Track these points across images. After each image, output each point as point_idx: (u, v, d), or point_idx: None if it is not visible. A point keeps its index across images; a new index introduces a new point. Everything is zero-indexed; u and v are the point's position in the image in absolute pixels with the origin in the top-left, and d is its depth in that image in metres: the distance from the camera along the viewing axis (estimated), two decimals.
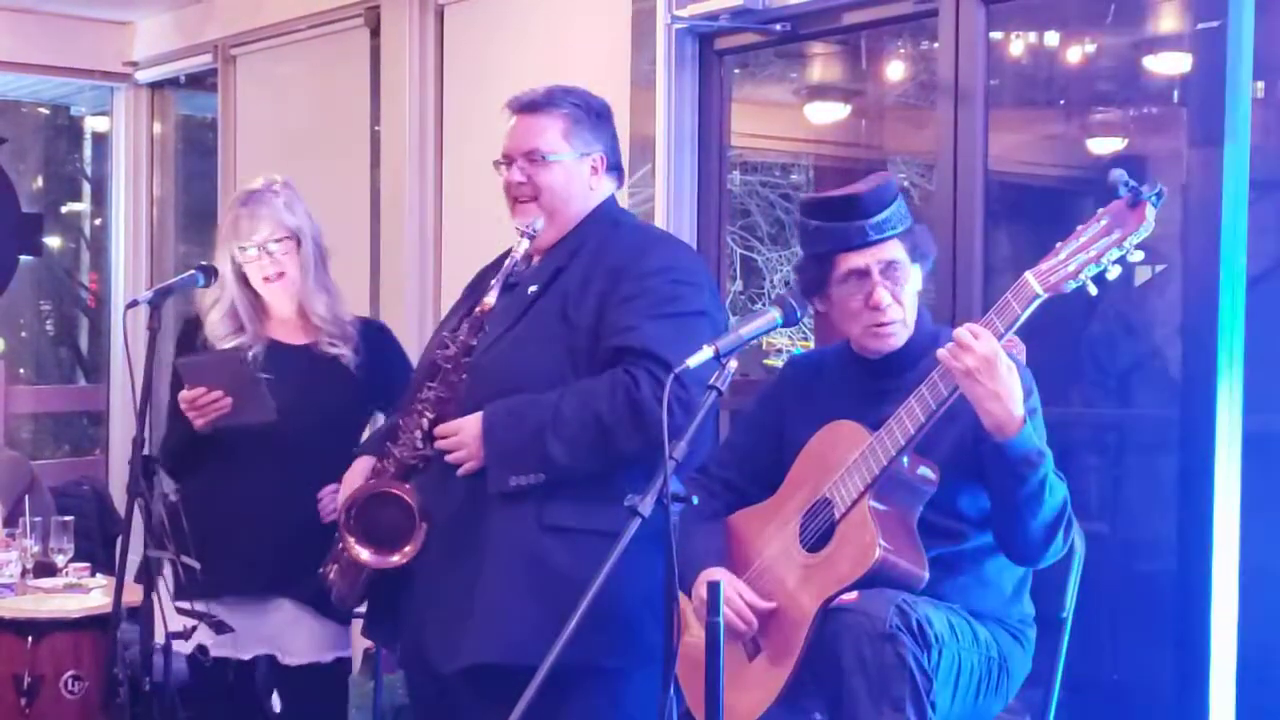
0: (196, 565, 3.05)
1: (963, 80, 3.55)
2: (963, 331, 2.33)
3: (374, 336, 3.50)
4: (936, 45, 3.66)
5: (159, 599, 3.14)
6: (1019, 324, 2.35)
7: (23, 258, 6.45)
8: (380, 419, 3.58)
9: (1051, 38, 4.31)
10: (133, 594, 3.29)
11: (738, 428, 2.91)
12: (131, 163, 6.49)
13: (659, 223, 4.03)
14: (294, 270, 3.37)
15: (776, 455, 2.69)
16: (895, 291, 2.55)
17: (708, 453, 2.86)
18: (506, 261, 2.93)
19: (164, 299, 3.34)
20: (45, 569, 4.02)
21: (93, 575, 4.04)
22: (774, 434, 2.73)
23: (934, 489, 2.47)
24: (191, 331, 3.48)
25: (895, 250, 2.56)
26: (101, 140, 6.91)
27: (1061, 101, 4.56)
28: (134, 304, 3.40)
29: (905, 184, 5.26)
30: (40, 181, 7.40)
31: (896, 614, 2.32)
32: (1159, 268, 3.79)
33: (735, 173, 5.89)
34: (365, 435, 3.46)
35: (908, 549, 2.44)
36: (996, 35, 3.85)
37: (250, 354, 3.34)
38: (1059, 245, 2.32)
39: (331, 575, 3.10)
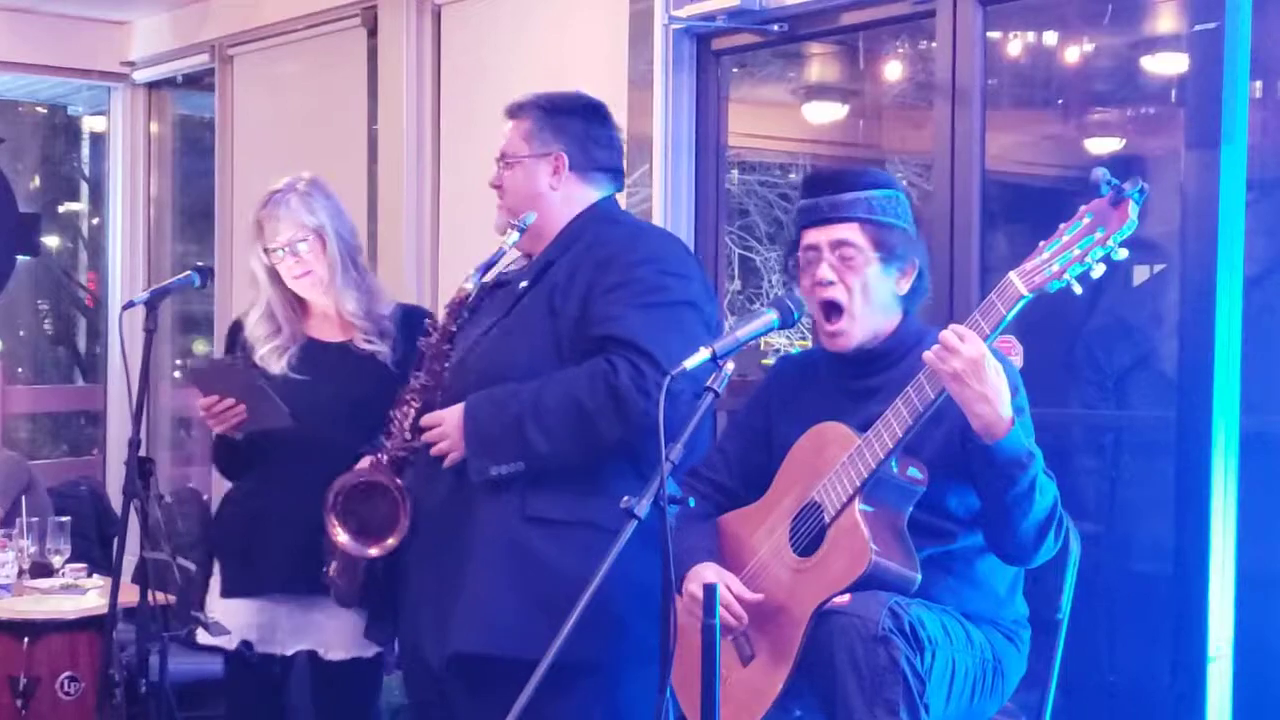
0: (192, 567, 3.06)
1: (960, 80, 3.55)
2: (948, 334, 2.32)
3: (414, 325, 3.43)
4: (934, 45, 3.66)
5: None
6: (1005, 325, 2.34)
7: (20, 257, 6.44)
8: None
9: (1049, 38, 4.31)
10: (129, 595, 3.29)
11: (727, 431, 2.91)
12: (129, 162, 6.49)
13: (657, 222, 4.03)
14: (321, 269, 3.35)
15: (766, 457, 2.69)
16: (842, 273, 2.54)
17: (699, 455, 2.85)
18: (495, 252, 2.97)
19: (160, 300, 3.35)
20: (42, 569, 4.02)
21: (89, 576, 4.04)
22: (763, 436, 2.73)
23: (923, 489, 2.47)
24: (235, 332, 3.49)
25: (853, 234, 2.55)
26: (99, 140, 6.91)
27: (1059, 102, 4.56)
28: (130, 305, 3.40)
29: (903, 183, 5.25)
30: (38, 181, 7.40)
31: (889, 616, 2.31)
32: (1158, 268, 3.79)
33: (734, 172, 5.89)
34: None
35: (899, 551, 2.43)
36: (994, 35, 3.85)
37: (281, 355, 3.35)
38: (1042, 244, 2.31)
39: (331, 572, 3.12)
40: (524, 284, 2.94)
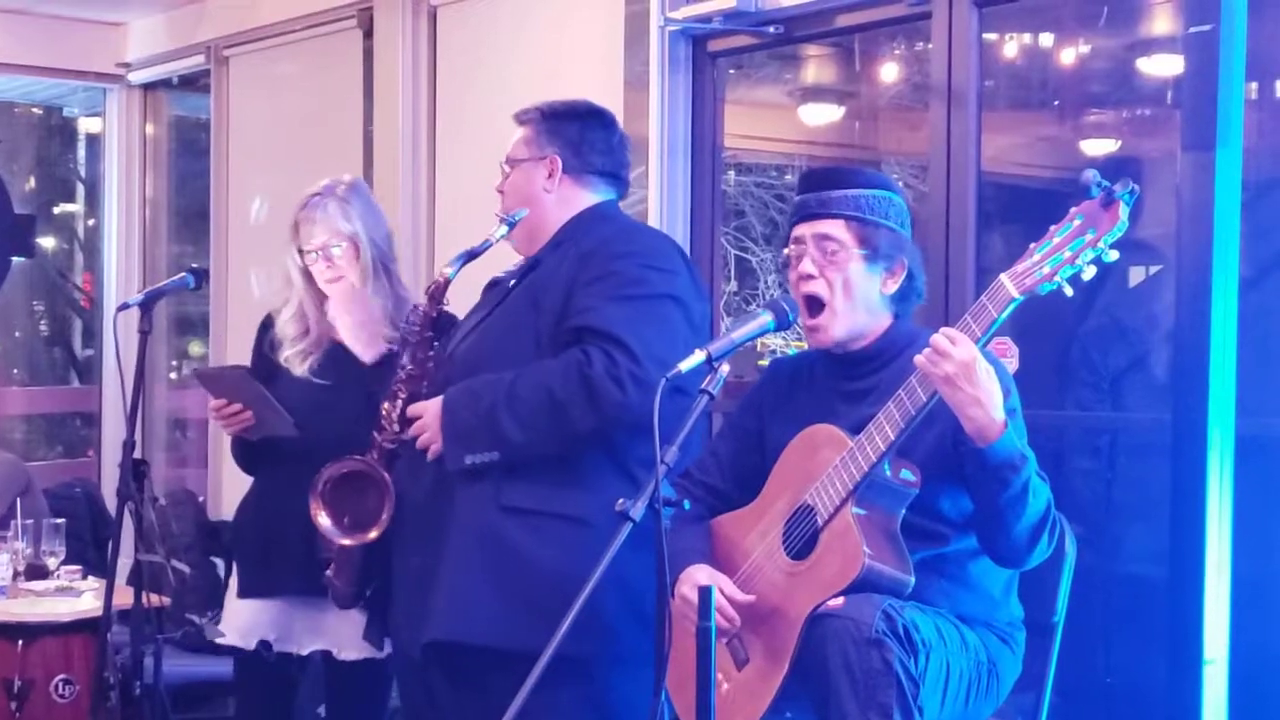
0: (187, 569, 3.06)
1: (956, 82, 3.55)
2: (939, 338, 2.32)
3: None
4: (930, 47, 3.66)
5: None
6: (996, 327, 2.33)
7: (16, 259, 6.43)
8: None
9: (1045, 40, 4.31)
10: (124, 597, 3.29)
11: (720, 433, 2.91)
12: (124, 164, 6.49)
13: (653, 223, 4.03)
14: (353, 275, 3.35)
15: (759, 460, 2.69)
16: (824, 268, 2.55)
17: (693, 457, 2.85)
18: (480, 243, 2.99)
19: (155, 301, 3.36)
20: (37, 571, 4.02)
21: (84, 578, 4.03)
22: (755, 438, 2.73)
23: (916, 491, 2.46)
24: (266, 328, 3.49)
25: (837, 229, 2.56)
26: (94, 141, 6.90)
27: (1054, 103, 4.56)
28: (125, 306, 3.40)
29: (899, 185, 5.25)
30: (33, 182, 7.39)
31: (883, 619, 2.30)
32: (1153, 269, 3.79)
33: (730, 173, 5.89)
34: None
35: (892, 554, 2.43)
36: (990, 37, 3.85)
37: (305, 358, 3.35)
38: (1032, 246, 2.30)
39: (329, 573, 3.14)
40: (513, 282, 2.97)
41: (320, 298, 3.37)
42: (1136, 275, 3.91)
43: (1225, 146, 3.02)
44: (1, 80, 6.49)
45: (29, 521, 4.09)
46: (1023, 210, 4.27)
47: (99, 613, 3.38)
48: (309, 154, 5.34)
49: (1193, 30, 3.07)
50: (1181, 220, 3.09)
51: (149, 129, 6.51)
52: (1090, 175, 2.26)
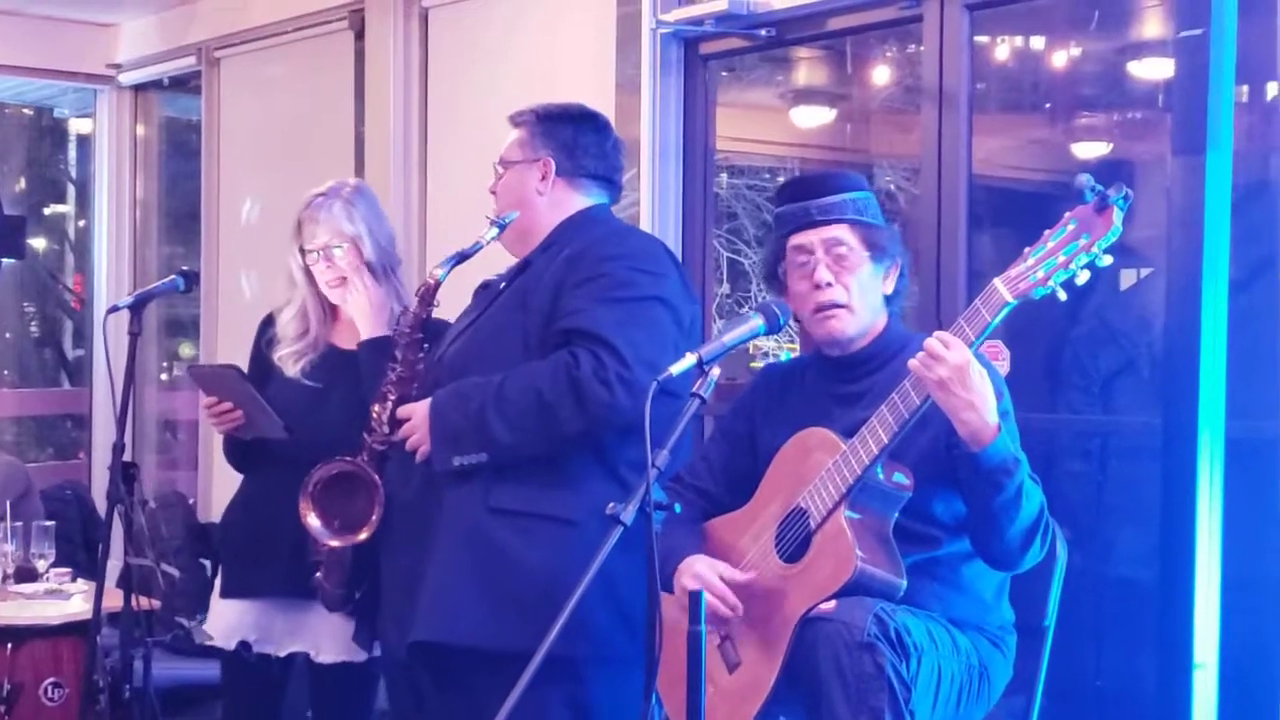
0: (176, 573, 3.06)
1: (947, 85, 3.55)
2: (933, 342, 2.32)
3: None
4: (921, 49, 3.66)
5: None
6: (989, 331, 2.34)
7: (6, 260, 6.42)
8: None
9: (1036, 42, 4.32)
10: (113, 600, 3.28)
11: (711, 437, 2.91)
12: (115, 165, 6.47)
13: (645, 226, 4.03)
14: (355, 278, 3.34)
15: (751, 464, 2.69)
16: (839, 274, 2.56)
17: (684, 460, 2.85)
18: (471, 245, 2.99)
19: (145, 304, 3.36)
20: (26, 574, 4.00)
21: (74, 580, 4.02)
22: (747, 441, 2.73)
23: (909, 494, 2.46)
24: (266, 325, 3.49)
25: (843, 234, 2.57)
26: (85, 142, 6.89)
27: (1046, 106, 4.56)
28: (115, 309, 3.39)
29: (891, 187, 5.26)
30: (23, 183, 7.38)
31: (875, 623, 2.30)
32: (1144, 272, 3.79)
33: (722, 176, 5.89)
34: None
35: (884, 557, 2.43)
36: (981, 39, 3.85)
37: (299, 359, 3.35)
38: (1027, 251, 2.31)
39: (319, 575, 3.14)
40: (503, 284, 2.98)
41: (322, 299, 3.37)
42: (1127, 278, 3.92)
43: (1216, 150, 3.02)
44: None
45: (18, 524, 4.08)
46: (1014, 213, 4.28)
47: (89, 615, 3.37)
48: (300, 156, 5.33)
49: (1183, 34, 3.08)
50: (1172, 223, 3.10)
51: (140, 130, 6.50)
52: (1084, 180, 2.26)
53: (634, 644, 2.70)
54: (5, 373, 7.20)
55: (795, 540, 2.51)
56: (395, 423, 2.97)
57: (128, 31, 6.29)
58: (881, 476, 2.45)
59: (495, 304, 2.96)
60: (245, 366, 3.43)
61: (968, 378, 2.30)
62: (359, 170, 5.09)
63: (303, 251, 3.34)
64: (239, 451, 3.45)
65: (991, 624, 2.58)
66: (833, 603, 2.38)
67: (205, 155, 5.86)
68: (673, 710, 2.60)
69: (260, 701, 3.45)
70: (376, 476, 3.01)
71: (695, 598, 2.27)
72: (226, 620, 3.35)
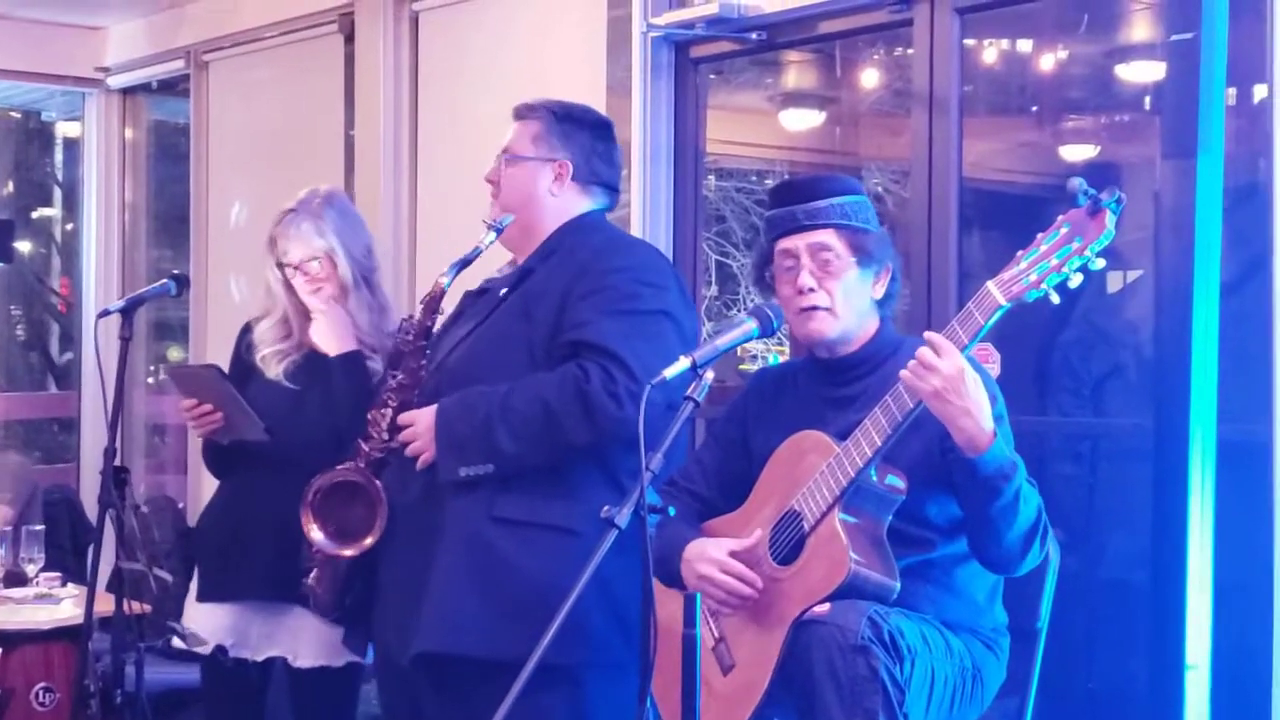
0: (168, 577, 3.05)
1: (937, 88, 3.55)
2: (925, 351, 2.31)
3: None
4: (911, 53, 3.66)
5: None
6: (982, 334, 2.34)
7: None
8: None
9: (1025, 46, 4.33)
10: (104, 604, 3.27)
11: (705, 442, 2.91)
12: (103, 168, 6.46)
13: (635, 230, 4.03)
14: (332, 287, 3.35)
15: (744, 468, 2.69)
16: (822, 279, 2.56)
17: (678, 464, 2.86)
18: (471, 250, 2.97)
19: (136, 308, 3.36)
20: (15, 579, 3.99)
21: (64, 585, 4.01)
22: (740, 445, 2.74)
23: (903, 497, 2.46)
24: (244, 333, 3.49)
25: (829, 239, 2.57)
26: (73, 145, 6.87)
27: (1035, 109, 4.57)
28: (105, 313, 3.40)
29: (880, 190, 5.27)
30: (11, 186, 7.37)
31: (868, 626, 2.31)
32: (1132, 275, 3.80)
33: (711, 178, 5.90)
34: None
35: (878, 560, 2.43)
36: (970, 42, 3.86)
37: (281, 360, 3.35)
38: (1020, 254, 2.31)
39: (311, 580, 3.11)
40: (504, 291, 2.96)
41: (302, 308, 3.36)
42: (1114, 281, 3.93)
43: (1206, 153, 3.03)
44: None
45: (7, 529, 4.07)
46: (1004, 215, 4.29)
47: (80, 620, 3.36)
48: (290, 159, 5.32)
49: (1174, 38, 3.09)
50: (1162, 227, 3.11)
51: (128, 133, 6.48)
52: (1077, 183, 2.26)
53: (631, 649, 2.70)
54: None
55: (789, 543, 2.51)
56: (395, 429, 2.95)
57: (116, 35, 6.27)
58: (875, 479, 2.45)
59: (498, 311, 2.94)
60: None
61: (962, 385, 2.30)
62: (348, 174, 5.09)
63: (280, 266, 3.35)
64: (217, 456, 3.45)
65: (985, 626, 2.58)
66: (827, 605, 2.39)
67: (194, 159, 5.85)
68: (668, 713, 2.60)
69: (240, 706, 3.44)
70: (379, 484, 2.98)
71: (690, 601, 2.27)
72: (202, 624, 3.34)
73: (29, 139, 7.43)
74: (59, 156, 7.35)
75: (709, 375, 2.39)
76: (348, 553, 3.00)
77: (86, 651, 3.29)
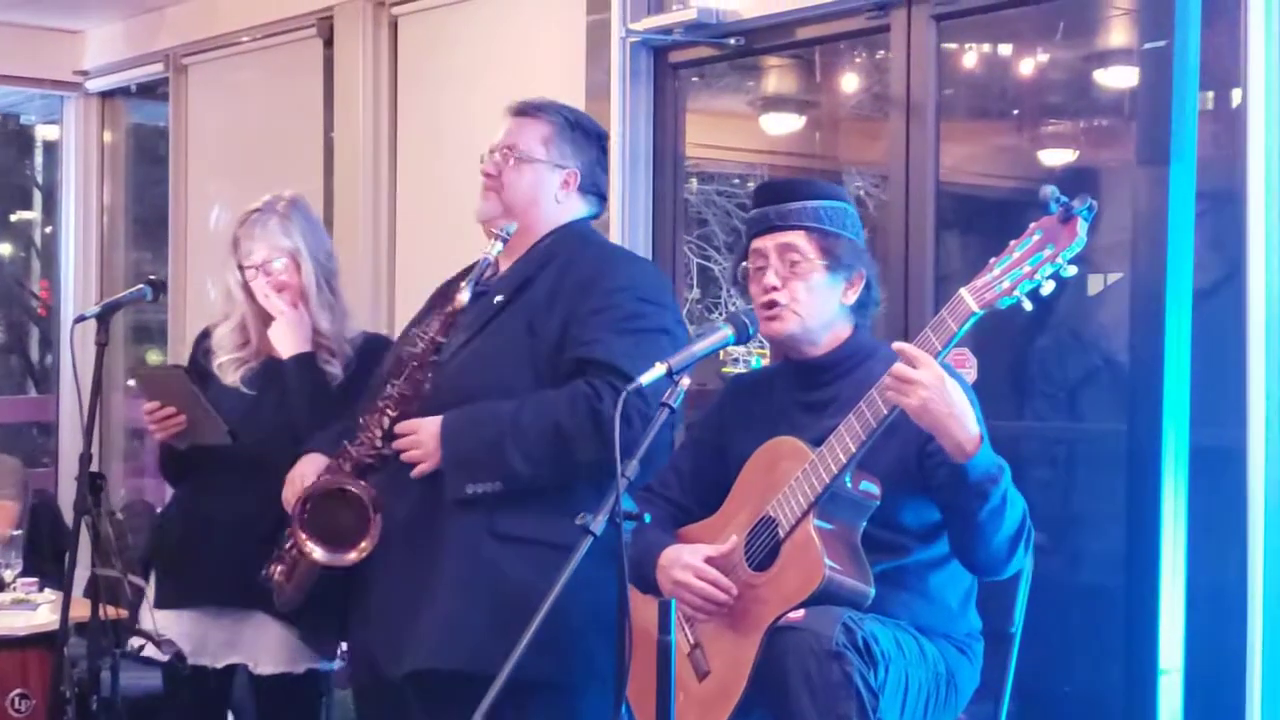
0: (144, 584, 3.04)
1: (914, 94, 3.57)
2: (900, 368, 2.31)
3: (370, 351, 3.41)
4: (889, 57, 3.67)
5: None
6: (956, 341, 2.35)
7: None
8: None
9: (1003, 50, 4.34)
10: (81, 610, 3.26)
11: (681, 448, 2.92)
12: (82, 171, 6.45)
13: (614, 233, 4.04)
14: (293, 289, 3.34)
15: (720, 474, 2.70)
16: (787, 279, 2.57)
17: (656, 470, 2.86)
18: (478, 264, 2.95)
19: (112, 313, 3.35)
20: None
21: (41, 590, 3.99)
22: (716, 451, 2.74)
23: (877, 503, 2.47)
24: (201, 339, 3.49)
25: (799, 240, 2.58)
26: (52, 149, 6.85)
27: (1013, 114, 4.58)
28: (82, 319, 3.38)
29: (860, 194, 5.27)
30: None
31: (843, 632, 2.31)
32: (1112, 278, 3.81)
33: (692, 182, 5.90)
34: None
35: (853, 566, 2.44)
36: (949, 46, 3.87)
37: (239, 367, 3.33)
38: (992, 261, 2.32)
39: (276, 576, 3.08)
40: (499, 298, 2.94)
41: (261, 314, 3.35)
42: (1095, 284, 3.94)
43: (1179, 161, 3.04)
44: None
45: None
46: (981, 219, 4.29)
47: (56, 626, 3.35)
48: (269, 163, 5.32)
49: (1148, 46, 3.10)
50: (1136, 233, 3.12)
51: (107, 136, 6.47)
52: (1049, 191, 2.27)
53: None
54: None
55: (764, 549, 2.52)
56: (392, 436, 2.92)
57: (95, 38, 6.26)
58: (850, 485, 2.46)
59: (496, 321, 2.92)
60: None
61: (945, 393, 2.30)
62: (328, 177, 5.08)
63: (241, 268, 3.34)
64: (172, 461, 3.42)
65: (958, 632, 2.59)
66: (801, 611, 2.39)
67: (173, 162, 5.84)
68: (644, 718, 2.61)
69: (202, 713, 3.42)
70: (372, 491, 2.93)
71: (665, 607, 2.28)
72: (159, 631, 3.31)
73: (8, 142, 7.40)
74: (38, 160, 7.32)
75: (685, 381, 2.40)
76: (350, 558, 2.95)
77: (63, 657, 3.28)
